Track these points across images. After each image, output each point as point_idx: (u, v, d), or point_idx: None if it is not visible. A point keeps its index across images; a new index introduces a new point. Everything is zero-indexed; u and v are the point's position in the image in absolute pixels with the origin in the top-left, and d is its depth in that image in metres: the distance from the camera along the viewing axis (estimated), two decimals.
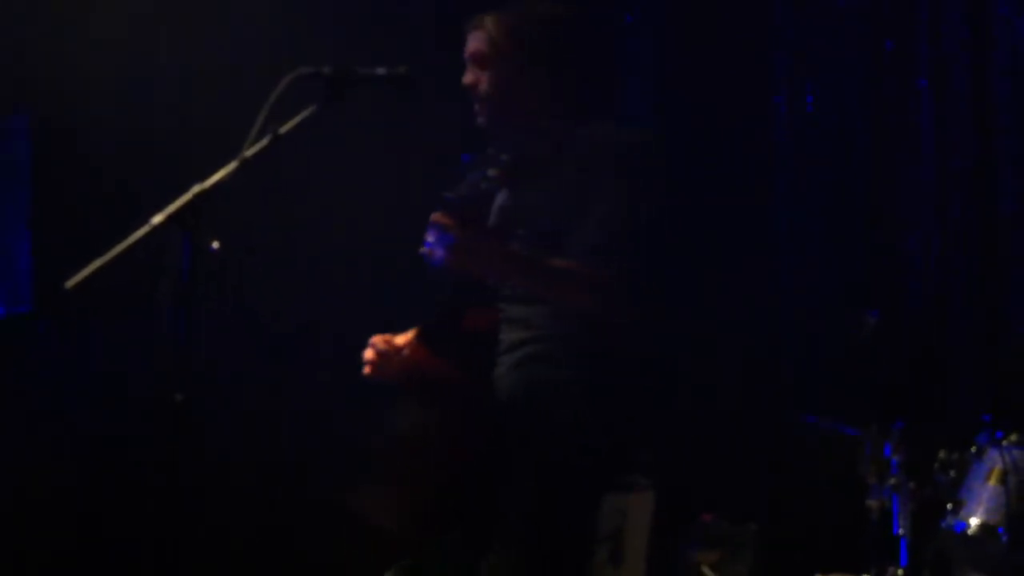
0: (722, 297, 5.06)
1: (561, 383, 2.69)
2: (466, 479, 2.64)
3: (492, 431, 2.67)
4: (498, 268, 2.69)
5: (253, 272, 4.73)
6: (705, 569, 4.53)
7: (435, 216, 2.62)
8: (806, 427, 4.44)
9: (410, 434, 2.71)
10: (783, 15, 5.34)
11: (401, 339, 2.78)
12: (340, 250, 4.93)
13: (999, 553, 3.90)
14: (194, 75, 4.83)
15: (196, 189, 2.23)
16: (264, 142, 2.31)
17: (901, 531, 4.02)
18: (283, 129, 2.33)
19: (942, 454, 4.12)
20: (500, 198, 2.82)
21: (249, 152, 2.29)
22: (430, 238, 2.61)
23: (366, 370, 2.79)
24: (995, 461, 3.96)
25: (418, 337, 2.74)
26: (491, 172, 2.77)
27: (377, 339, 2.79)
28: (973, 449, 4.06)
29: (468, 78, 2.86)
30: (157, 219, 2.18)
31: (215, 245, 2.22)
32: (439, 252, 2.59)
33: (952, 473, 4.06)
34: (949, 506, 4.02)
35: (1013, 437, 3.98)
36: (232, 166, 2.28)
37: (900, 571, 4.01)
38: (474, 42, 2.86)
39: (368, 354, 2.78)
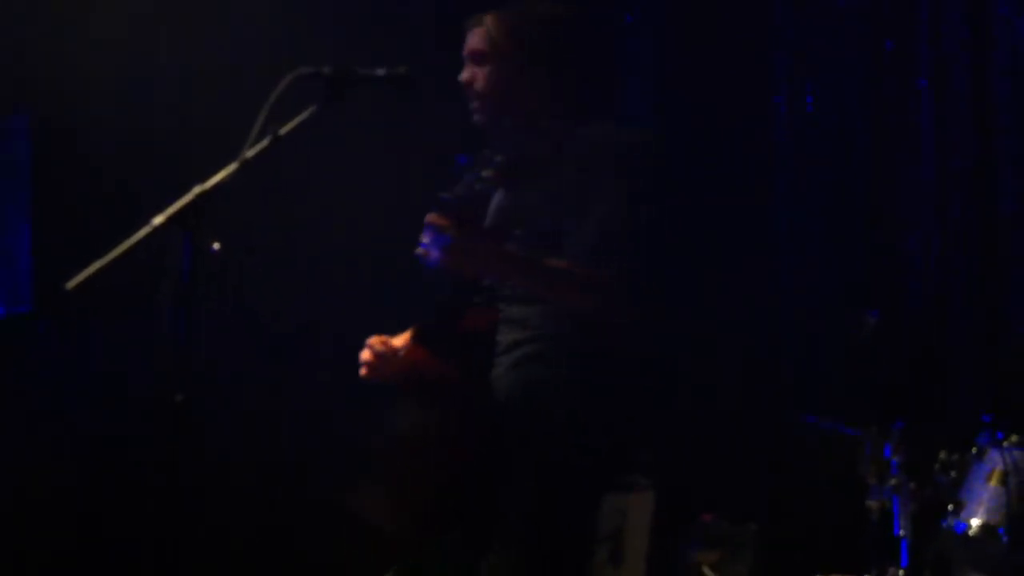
0: (722, 297, 5.06)
1: (559, 383, 2.69)
2: (466, 479, 2.64)
3: (491, 431, 2.67)
4: (494, 268, 2.69)
5: (253, 272, 4.73)
6: (705, 569, 4.53)
7: (430, 217, 2.62)
8: (806, 427, 4.44)
9: (409, 434, 2.71)
10: (783, 15, 5.34)
11: (398, 341, 2.78)
12: (340, 250, 4.93)
13: (1000, 554, 3.90)
14: (194, 75, 4.84)
15: (197, 190, 2.23)
16: (264, 143, 2.31)
17: (902, 532, 4.02)
18: (283, 130, 2.33)
19: (943, 455, 4.12)
20: (497, 198, 2.82)
21: (249, 153, 2.29)
22: (425, 239, 2.62)
23: (363, 371, 2.79)
24: (996, 462, 3.96)
25: (415, 338, 2.74)
26: (485, 173, 2.77)
27: (374, 340, 2.79)
28: (974, 450, 4.06)
29: (465, 75, 2.86)
30: (158, 220, 2.18)
31: (216, 246, 2.22)
32: (435, 253, 2.59)
33: (953, 474, 4.06)
34: (950, 507, 4.02)
35: (1014, 438, 3.98)
36: (232, 167, 2.28)
37: (901, 572, 4.01)
38: (473, 40, 2.86)
39: (365, 355, 2.78)
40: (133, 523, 3.80)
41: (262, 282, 4.83)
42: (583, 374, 2.69)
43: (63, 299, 2.10)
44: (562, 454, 2.65)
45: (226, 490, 4.61)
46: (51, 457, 4.72)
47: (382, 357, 2.76)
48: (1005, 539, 3.88)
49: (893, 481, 4.06)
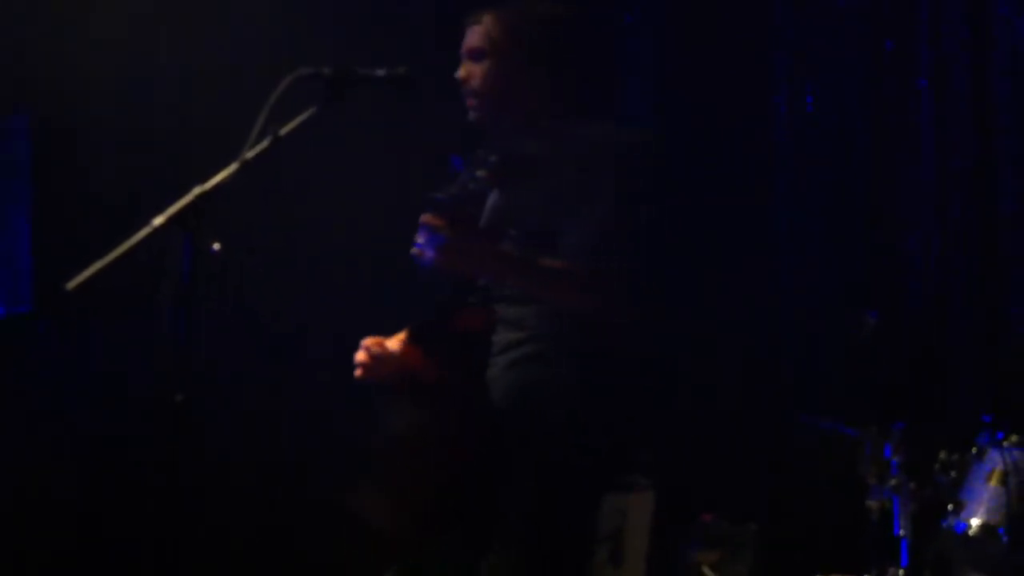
0: (722, 297, 5.06)
1: (556, 383, 2.68)
2: (466, 479, 2.64)
3: (489, 431, 2.67)
4: (489, 268, 2.69)
5: (254, 273, 4.73)
6: (706, 569, 4.53)
7: (425, 217, 2.62)
8: (806, 427, 4.44)
9: (406, 435, 2.71)
10: (783, 15, 5.34)
11: (393, 342, 2.77)
12: (340, 250, 4.93)
13: (1000, 554, 3.90)
14: (194, 75, 4.83)
15: (197, 190, 2.23)
16: (264, 143, 2.31)
17: (902, 532, 4.02)
18: (283, 131, 2.33)
19: (943, 455, 4.12)
20: (492, 198, 2.82)
21: (250, 153, 2.29)
22: (420, 239, 2.62)
23: (358, 372, 2.79)
24: (996, 462, 3.96)
25: (410, 338, 2.74)
26: (480, 173, 2.76)
27: (369, 341, 2.79)
28: (974, 450, 4.06)
29: (462, 72, 2.86)
30: (158, 220, 2.18)
31: (216, 246, 2.22)
32: (429, 253, 2.59)
33: (953, 474, 4.06)
34: (950, 507, 4.02)
35: (1014, 438, 3.98)
36: (233, 167, 2.28)
37: (901, 572, 4.01)
38: (471, 37, 2.87)
39: (360, 356, 2.78)
40: (133, 523, 3.80)
41: (262, 282, 4.83)
42: (580, 374, 2.68)
43: (63, 299, 2.09)
44: (562, 454, 2.65)
45: (226, 490, 4.61)
46: (51, 457, 4.72)
47: (377, 358, 2.76)
48: (1005, 539, 3.89)
49: (893, 481, 4.06)
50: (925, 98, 4.99)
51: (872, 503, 4.10)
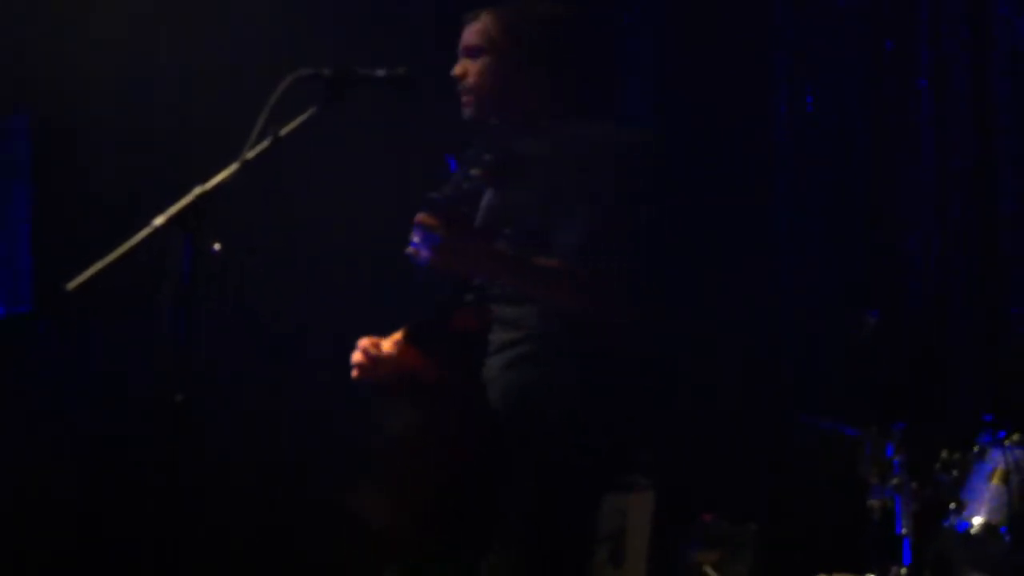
0: (722, 297, 5.06)
1: (552, 384, 2.68)
2: (465, 479, 2.63)
3: (487, 431, 2.67)
4: (485, 267, 2.69)
5: (254, 273, 4.73)
6: (708, 569, 4.53)
7: (419, 216, 2.62)
8: (806, 427, 4.44)
9: (405, 435, 2.71)
10: (783, 15, 5.33)
11: (388, 342, 2.77)
12: (340, 250, 4.93)
13: (1001, 553, 3.90)
14: (194, 75, 4.83)
15: (198, 191, 2.23)
16: (265, 144, 2.31)
17: (903, 531, 4.02)
18: (284, 131, 2.33)
19: (944, 454, 4.11)
20: (487, 197, 2.82)
21: (250, 154, 2.29)
22: (416, 238, 2.62)
23: (354, 373, 2.78)
24: (997, 461, 3.96)
25: (406, 338, 2.74)
26: (474, 171, 2.77)
27: (365, 342, 2.78)
28: (975, 449, 4.06)
29: (458, 69, 2.87)
30: (159, 220, 2.18)
31: (216, 246, 2.22)
32: (425, 252, 2.59)
33: (954, 473, 4.06)
34: (952, 506, 4.02)
35: (1015, 437, 3.98)
36: (233, 168, 2.28)
37: (903, 571, 4.01)
38: (469, 35, 2.87)
39: (356, 357, 2.78)
40: (133, 523, 3.79)
41: (262, 282, 4.82)
42: (578, 374, 2.69)
43: (63, 299, 2.09)
44: (561, 454, 2.65)
45: (226, 490, 4.60)
46: (51, 457, 4.72)
47: (374, 358, 2.75)
48: (1007, 538, 3.88)
49: (895, 480, 4.06)
50: (925, 98, 4.98)
51: (874, 502, 4.09)
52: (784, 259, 5.27)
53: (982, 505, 3.95)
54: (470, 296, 2.72)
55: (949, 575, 4.09)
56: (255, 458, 4.81)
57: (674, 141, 5.13)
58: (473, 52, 2.85)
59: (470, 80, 2.84)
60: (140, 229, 2.18)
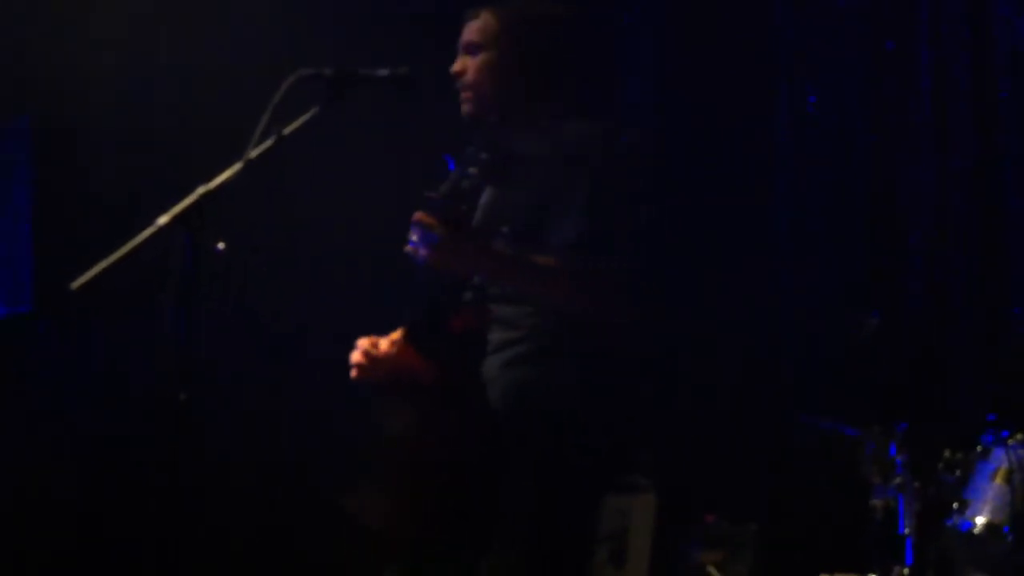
0: (722, 297, 5.06)
1: (552, 383, 2.68)
2: (465, 479, 2.63)
3: (487, 431, 2.67)
4: (483, 266, 2.68)
5: (256, 272, 4.73)
6: (711, 569, 4.53)
7: (417, 215, 2.62)
8: (806, 427, 4.44)
9: (405, 435, 2.71)
10: (783, 15, 5.34)
11: (385, 342, 2.77)
12: (341, 250, 4.93)
13: (1004, 552, 3.90)
14: (194, 75, 4.83)
15: (201, 190, 2.23)
16: (268, 143, 2.31)
17: (906, 530, 4.02)
18: (286, 131, 2.33)
19: (947, 454, 4.11)
20: (485, 196, 2.82)
21: (253, 153, 2.29)
22: (414, 237, 2.61)
23: (353, 373, 2.78)
24: (1000, 460, 3.95)
25: (405, 338, 2.74)
26: (471, 170, 2.76)
27: (363, 341, 2.78)
28: (978, 448, 4.05)
29: (457, 66, 2.87)
30: (162, 220, 2.18)
31: (220, 246, 2.22)
32: (422, 251, 2.59)
33: (957, 472, 4.05)
34: (954, 505, 4.01)
35: (1019, 436, 3.97)
36: (236, 167, 2.28)
37: (905, 570, 4.00)
38: (468, 32, 2.87)
39: (355, 356, 2.78)
40: (133, 523, 3.80)
41: (264, 282, 4.82)
42: (577, 374, 2.68)
43: (64, 299, 2.10)
44: (561, 454, 2.65)
45: (226, 490, 4.60)
46: (51, 457, 4.72)
47: (372, 358, 2.75)
48: (1010, 537, 3.88)
49: (898, 480, 4.05)
50: (925, 98, 4.99)
51: (876, 502, 4.09)
52: (784, 259, 5.27)
53: (985, 505, 3.95)
54: (469, 295, 2.72)
55: (952, 575, 4.08)
56: (255, 458, 4.81)
57: (674, 141, 5.13)
58: (473, 49, 2.85)
59: (469, 77, 2.85)
60: (140, 229, 2.18)
